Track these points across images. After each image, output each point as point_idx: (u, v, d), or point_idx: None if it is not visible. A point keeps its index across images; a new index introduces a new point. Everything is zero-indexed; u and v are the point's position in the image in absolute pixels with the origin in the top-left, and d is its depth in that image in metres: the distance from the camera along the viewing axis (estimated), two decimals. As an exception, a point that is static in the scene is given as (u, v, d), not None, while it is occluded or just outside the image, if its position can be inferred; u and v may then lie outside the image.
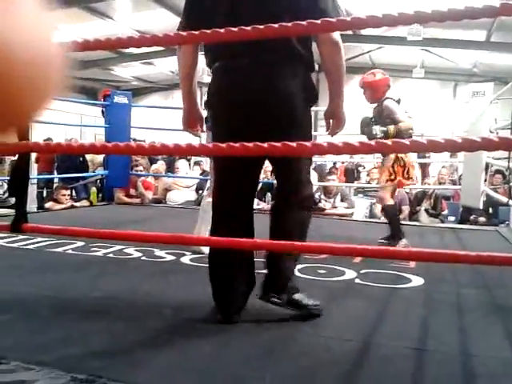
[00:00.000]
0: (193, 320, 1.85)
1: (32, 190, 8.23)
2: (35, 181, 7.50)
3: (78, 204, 5.75)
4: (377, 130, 3.36)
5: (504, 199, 4.46)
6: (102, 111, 5.87)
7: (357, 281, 2.46)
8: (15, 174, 1.56)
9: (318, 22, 1.25)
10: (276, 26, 1.28)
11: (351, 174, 8.66)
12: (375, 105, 3.57)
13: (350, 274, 2.58)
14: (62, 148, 1.81)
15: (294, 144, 1.24)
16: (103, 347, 1.58)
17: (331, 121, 1.96)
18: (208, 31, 1.36)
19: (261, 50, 1.70)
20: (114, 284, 2.33)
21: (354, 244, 1.30)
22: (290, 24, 1.27)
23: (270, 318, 1.88)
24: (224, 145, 1.34)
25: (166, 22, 10.32)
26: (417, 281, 2.48)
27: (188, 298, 2.12)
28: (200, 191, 7.10)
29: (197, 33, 1.40)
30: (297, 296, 1.87)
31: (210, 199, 2.77)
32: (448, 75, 13.01)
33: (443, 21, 1.33)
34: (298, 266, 2.64)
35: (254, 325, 1.81)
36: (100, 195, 6.30)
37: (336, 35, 1.79)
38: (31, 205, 8.00)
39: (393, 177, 3.41)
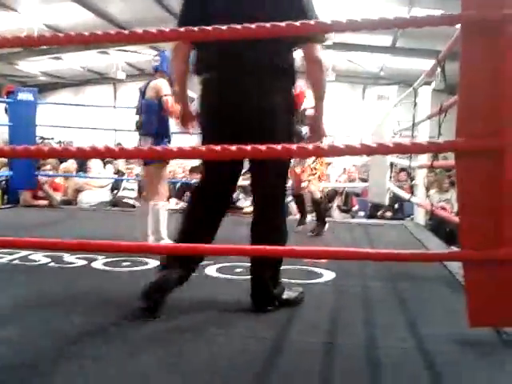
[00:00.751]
0: (103, 325, 1.80)
1: None
2: None
3: (-21, 207, 5.36)
4: (304, 130, 3.70)
5: (408, 195, 4.75)
6: (6, 109, 5.50)
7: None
8: None
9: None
10: (253, 26, 1.31)
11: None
12: None
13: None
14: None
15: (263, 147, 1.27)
16: (4, 359, 1.50)
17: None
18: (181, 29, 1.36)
19: (244, 63, 1.84)
20: (19, 292, 2.21)
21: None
22: (268, 25, 1.30)
23: (185, 319, 1.87)
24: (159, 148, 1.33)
25: (76, 16, 9.90)
26: (328, 275, 2.58)
27: (99, 303, 2.06)
28: (115, 191, 6.86)
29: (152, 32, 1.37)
30: (285, 295, 2.07)
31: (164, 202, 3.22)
32: (357, 78, 13.62)
33: (356, 30, 1.40)
34: (216, 266, 2.66)
35: (167, 327, 1.80)
36: (5, 197, 5.90)
37: (320, 54, 1.94)
38: None
39: (314, 172, 3.98)
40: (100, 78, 15.26)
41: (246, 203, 5.82)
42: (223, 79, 1.90)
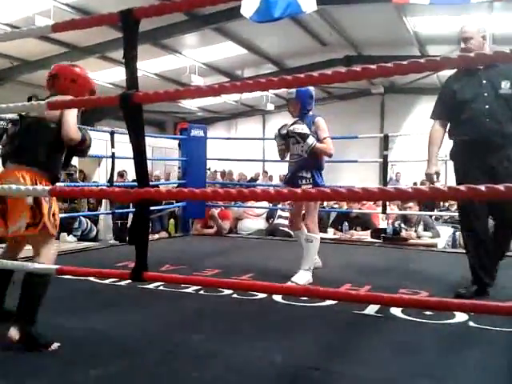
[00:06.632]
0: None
1: (108, 223, 8.48)
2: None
3: (156, 236, 5.85)
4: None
5: None
6: (179, 144, 6.00)
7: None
8: (136, 221, 1.56)
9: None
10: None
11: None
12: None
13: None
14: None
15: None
16: None
17: None
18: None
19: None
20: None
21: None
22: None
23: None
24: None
25: (231, 53, 10.53)
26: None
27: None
28: (271, 220, 7.03)
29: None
30: None
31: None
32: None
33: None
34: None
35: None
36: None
37: None
38: (107, 234, 8.24)
39: None
40: (250, 111, 16.01)
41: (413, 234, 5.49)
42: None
